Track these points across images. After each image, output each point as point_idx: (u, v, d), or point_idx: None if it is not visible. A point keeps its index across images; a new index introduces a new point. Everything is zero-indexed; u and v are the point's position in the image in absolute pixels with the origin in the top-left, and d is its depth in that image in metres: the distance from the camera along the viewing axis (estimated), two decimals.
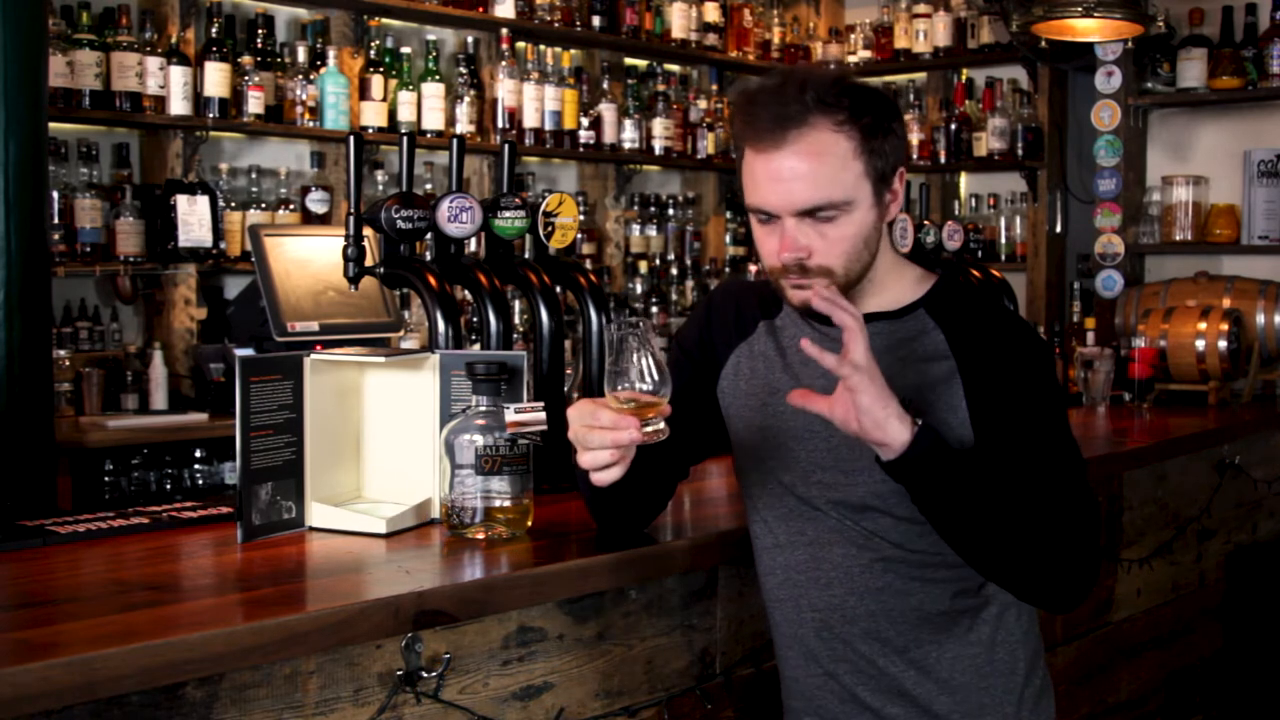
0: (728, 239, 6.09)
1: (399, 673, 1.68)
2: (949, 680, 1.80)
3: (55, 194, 3.92)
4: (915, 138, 5.79)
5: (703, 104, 5.83)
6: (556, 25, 5.22)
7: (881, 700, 1.82)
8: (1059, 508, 1.71)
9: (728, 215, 6.10)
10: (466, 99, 4.94)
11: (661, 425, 1.69)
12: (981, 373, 1.76)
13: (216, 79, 4.29)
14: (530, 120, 5.08)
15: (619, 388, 1.68)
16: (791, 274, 1.76)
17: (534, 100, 5.08)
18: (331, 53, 4.56)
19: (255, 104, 4.38)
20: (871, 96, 1.77)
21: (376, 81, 4.68)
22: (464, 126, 4.91)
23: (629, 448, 1.69)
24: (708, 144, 5.79)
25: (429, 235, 2.31)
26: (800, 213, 1.73)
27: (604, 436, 1.67)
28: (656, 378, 1.69)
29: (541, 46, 5.20)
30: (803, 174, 1.72)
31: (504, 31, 5.02)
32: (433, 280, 2.27)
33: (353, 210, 2.24)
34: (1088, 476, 1.78)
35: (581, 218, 5.35)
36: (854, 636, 1.82)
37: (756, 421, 1.88)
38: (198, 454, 3.91)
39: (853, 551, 1.80)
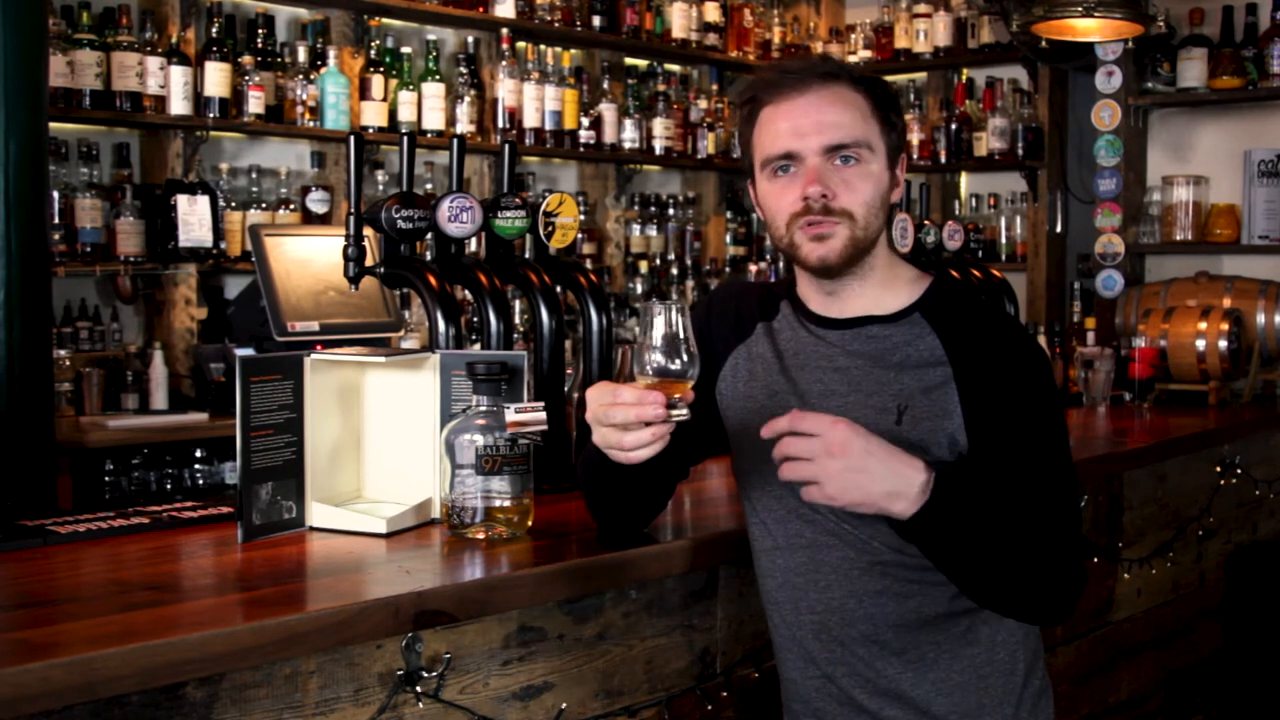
0: (728, 239, 6.09)
1: (399, 673, 1.68)
2: (947, 681, 1.80)
3: (55, 194, 3.92)
4: (915, 138, 5.79)
5: (703, 104, 5.83)
6: (556, 25, 5.22)
7: (879, 703, 1.81)
8: (1047, 524, 1.73)
9: (728, 215, 6.10)
10: (467, 99, 4.94)
11: (685, 410, 1.68)
12: (977, 379, 1.76)
13: (217, 79, 4.29)
14: (530, 120, 5.08)
15: (647, 364, 1.68)
16: (814, 213, 1.77)
17: (534, 100, 5.08)
18: (332, 53, 4.56)
19: (255, 104, 4.38)
20: (883, 81, 1.86)
21: (377, 81, 4.68)
22: (464, 126, 4.91)
23: (660, 426, 1.68)
24: (708, 144, 5.79)
25: (429, 235, 2.31)
26: (826, 149, 1.76)
27: (628, 412, 1.66)
28: (686, 358, 1.68)
29: (542, 46, 5.20)
30: (829, 114, 1.77)
31: (504, 31, 5.02)
32: (433, 280, 2.27)
33: (353, 210, 2.24)
34: (1077, 487, 1.80)
35: (582, 218, 5.35)
36: (852, 639, 1.81)
37: (754, 423, 1.87)
38: (198, 454, 3.91)
39: (851, 554, 1.79)
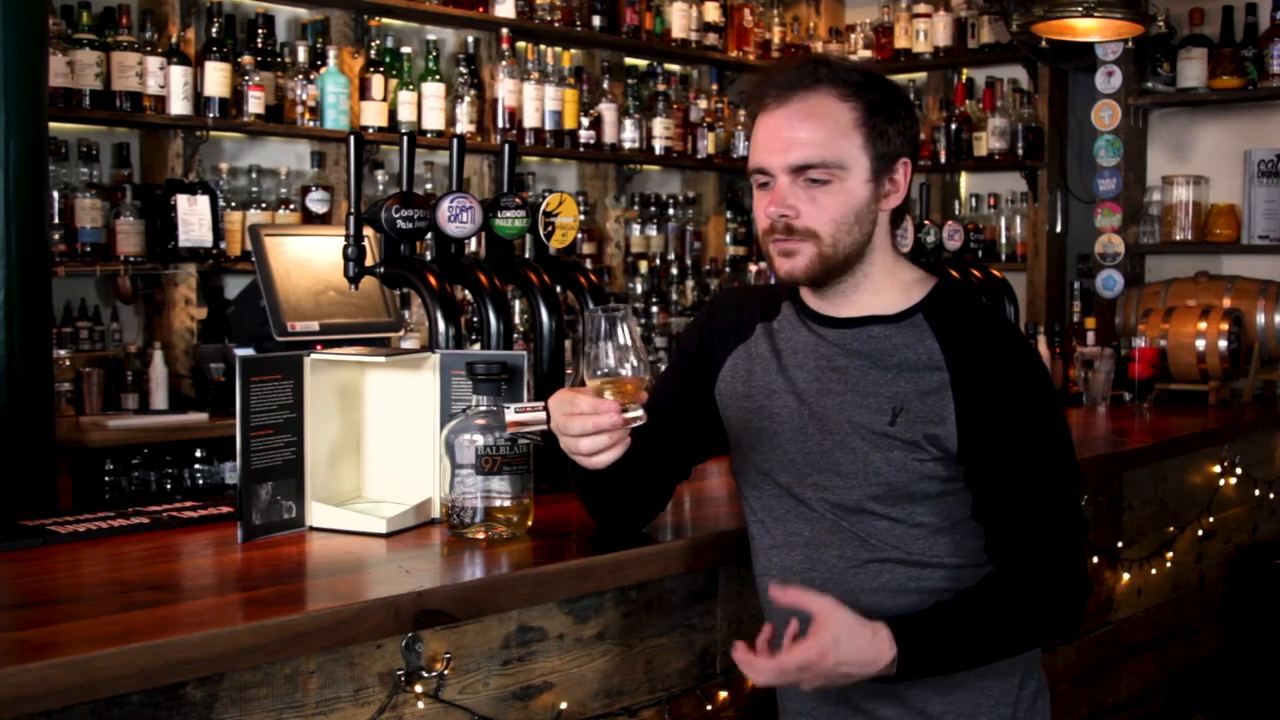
0: (728, 239, 6.09)
1: (399, 673, 1.68)
2: (942, 681, 1.80)
3: (55, 194, 3.92)
4: None
5: (703, 104, 5.83)
6: (556, 25, 5.22)
7: (874, 703, 1.81)
8: (1047, 554, 1.73)
9: (728, 215, 6.10)
10: (467, 99, 4.94)
11: (639, 412, 1.71)
12: (975, 386, 1.76)
13: (217, 79, 4.29)
14: (530, 120, 5.08)
15: (597, 373, 1.70)
16: (778, 234, 1.78)
17: (534, 100, 5.08)
18: (332, 52, 4.56)
19: (255, 104, 4.38)
20: (885, 83, 1.82)
21: (377, 81, 4.68)
22: (464, 126, 4.91)
23: (617, 431, 1.70)
24: (708, 144, 5.79)
25: (429, 235, 2.31)
26: (793, 169, 1.76)
27: (585, 422, 1.69)
28: (634, 361, 1.70)
29: (542, 46, 5.20)
30: (800, 132, 1.76)
31: (504, 31, 5.02)
32: (433, 280, 2.27)
33: (353, 210, 2.24)
34: (1078, 494, 1.80)
35: (582, 217, 5.35)
36: None
37: (753, 423, 1.88)
38: (198, 454, 3.91)
39: (848, 553, 1.79)
